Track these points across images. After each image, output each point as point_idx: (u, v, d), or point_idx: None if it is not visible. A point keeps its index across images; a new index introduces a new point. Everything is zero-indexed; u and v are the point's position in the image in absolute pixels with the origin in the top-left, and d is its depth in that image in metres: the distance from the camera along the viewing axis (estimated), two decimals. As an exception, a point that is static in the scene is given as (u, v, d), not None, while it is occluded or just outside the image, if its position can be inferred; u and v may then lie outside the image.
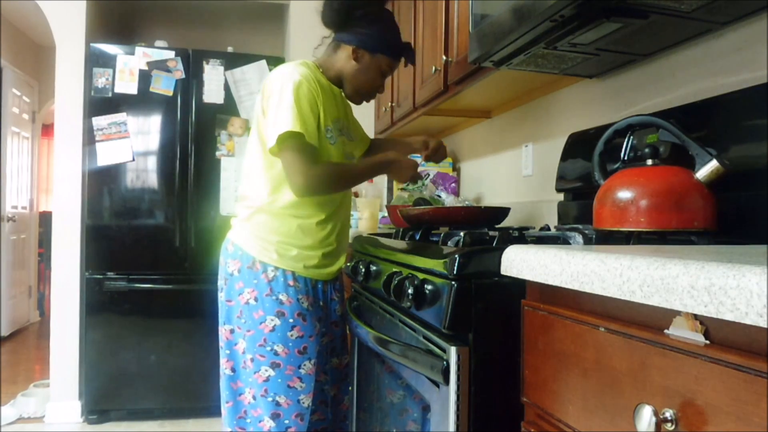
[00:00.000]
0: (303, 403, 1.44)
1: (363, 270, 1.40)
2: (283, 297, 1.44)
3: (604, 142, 1.14)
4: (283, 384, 1.42)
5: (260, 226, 1.47)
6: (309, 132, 1.38)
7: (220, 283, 1.52)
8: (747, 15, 1.15)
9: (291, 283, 1.45)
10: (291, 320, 1.44)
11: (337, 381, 1.65)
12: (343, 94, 1.61)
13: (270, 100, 1.40)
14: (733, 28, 1.21)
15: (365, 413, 1.56)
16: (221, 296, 1.52)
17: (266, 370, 1.42)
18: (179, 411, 2.93)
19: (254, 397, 1.44)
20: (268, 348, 1.42)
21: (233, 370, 1.48)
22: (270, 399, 1.42)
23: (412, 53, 1.57)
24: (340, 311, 1.63)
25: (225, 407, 1.49)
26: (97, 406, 2.85)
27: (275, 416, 1.42)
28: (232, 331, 1.48)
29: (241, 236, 1.49)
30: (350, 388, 1.65)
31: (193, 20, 3.92)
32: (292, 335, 1.43)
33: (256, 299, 1.44)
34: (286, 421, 1.43)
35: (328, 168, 1.43)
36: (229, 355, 1.49)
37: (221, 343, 1.52)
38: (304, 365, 1.45)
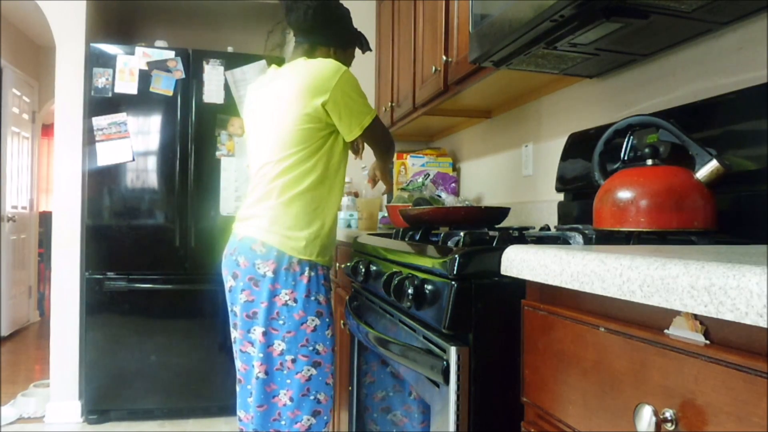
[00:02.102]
0: (333, 398, 1.53)
1: (363, 270, 1.40)
2: (320, 298, 1.50)
3: (604, 142, 1.14)
4: (323, 382, 1.49)
5: (298, 217, 1.48)
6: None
7: (241, 284, 1.49)
8: (747, 15, 1.15)
9: (323, 282, 1.52)
10: (327, 319, 1.51)
11: None
12: None
13: (343, 97, 1.49)
14: (733, 28, 1.21)
15: (365, 413, 1.56)
16: (246, 298, 1.49)
17: (308, 370, 1.46)
18: (179, 411, 2.93)
19: (291, 399, 1.46)
20: (311, 348, 1.47)
21: (267, 372, 1.47)
22: (312, 398, 1.46)
23: (366, 39, 1.76)
24: None
25: (256, 411, 1.48)
26: (97, 406, 2.85)
27: (317, 414, 1.47)
28: (264, 333, 1.46)
29: (270, 233, 1.47)
30: (350, 387, 1.65)
31: (193, 20, 3.92)
32: (328, 334, 1.51)
33: (295, 300, 1.46)
34: (325, 417, 1.49)
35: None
36: (263, 359, 1.47)
37: (247, 347, 1.50)
38: (334, 362, 1.53)
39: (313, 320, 1.47)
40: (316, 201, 1.51)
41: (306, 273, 1.47)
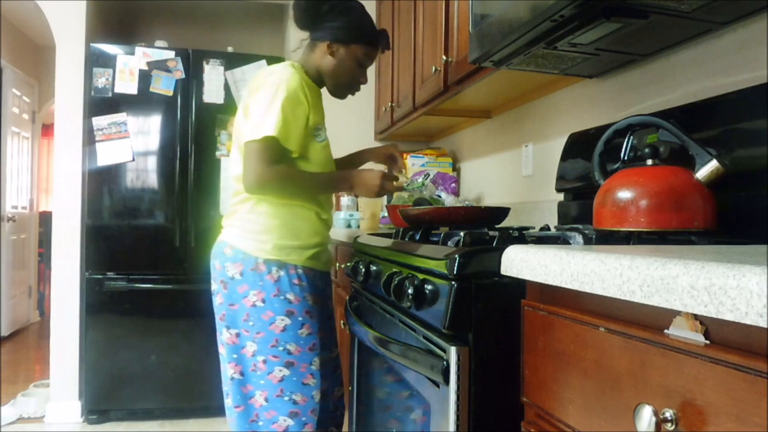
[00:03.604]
0: (315, 398, 1.48)
1: (363, 270, 1.40)
2: (290, 296, 1.46)
3: (604, 142, 1.14)
4: (299, 382, 1.45)
5: (262, 215, 1.47)
6: (287, 136, 1.41)
7: (216, 287, 1.52)
8: (747, 15, 1.15)
9: (296, 281, 1.47)
10: (300, 318, 1.46)
11: (329, 374, 1.67)
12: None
13: (257, 96, 1.42)
14: (733, 28, 1.21)
15: (365, 413, 1.56)
16: (219, 300, 1.51)
17: (280, 370, 1.44)
18: (179, 411, 2.93)
19: (267, 399, 1.45)
20: (281, 348, 1.44)
21: (242, 374, 1.47)
22: (287, 398, 1.44)
23: (387, 38, 1.60)
24: (332, 305, 1.69)
25: (235, 412, 1.48)
26: (97, 406, 2.85)
27: (294, 415, 1.44)
28: (238, 335, 1.47)
29: (239, 238, 1.49)
30: (350, 387, 1.65)
31: (193, 20, 3.92)
32: (302, 333, 1.46)
33: (263, 301, 1.44)
34: (304, 418, 1.46)
35: (284, 171, 1.43)
36: (237, 360, 1.47)
37: (223, 349, 1.51)
38: (314, 362, 1.48)
39: (282, 320, 1.44)
40: (290, 214, 1.49)
41: (273, 272, 1.45)
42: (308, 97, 1.47)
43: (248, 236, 1.48)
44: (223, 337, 1.50)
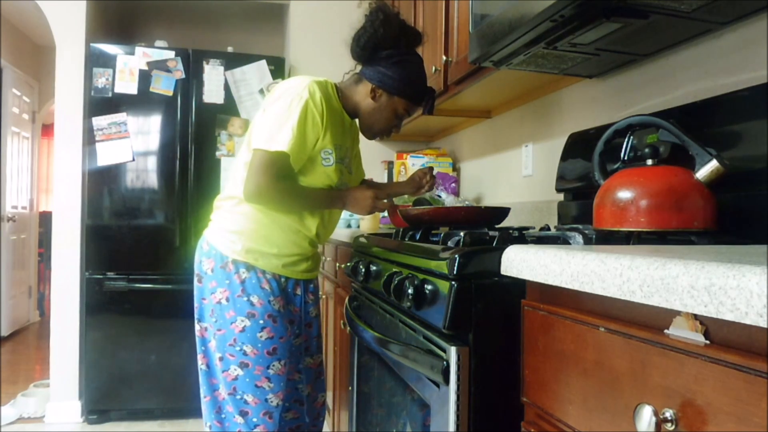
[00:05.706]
0: (271, 402, 1.47)
1: (363, 270, 1.40)
2: (254, 299, 1.45)
3: (604, 142, 1.14)
4: (251, 384, 1.45)
5: (240, 216, 1.48)
6: (296, 155, 1.40)
7: (195, 280, 1.54)
8: (747, 15, 1.15)
9: (263, 285, 1.47)
10: (261, 321, 1.45)
11: (311, 380, 1.67)
12: (354, 125, 1.63)
13: (278, 104, 1.41)
14: (733, 28, 1.21)
15: (365, 413, 1.56)
16: (195, 293, 1.54)
17: (235, 369, 1.45)
18: (179, 411, 2.93)
19: (227, 394, 1.48)
20: (238, 348, 1.44)
21: (208, 366, 1.52)
22: (238, 397, 1.45)
23: (432, 101, 1.56)
24: (314, 313, 1.67)
25: (204, 402, 1.53)
26: (97, 406, 2.85)
27: (244, 414, 1.46)
28: (206, 329, 1.50)
29: (215, 235, 1.51)
30: (350, 387, 1.65)
31: (193, 20, 3.92)
32: (261, 336, 1.45)
33: (227, 299, 1.45)
34: (254, 419, 1.46)
35: (284, 187, 1.43)
36: (204, 352, 1.52)
37: (197, 340, 1.54)
38: (273, 366, 1.47)
39: (242, 321, 1.44)
40: (270, 221, 1.48)
41: (240, 273, 1.45)
42: (325, 119, 1.43)
43: (223, 234, 1.49)
44: (195, 328, 1.53)
